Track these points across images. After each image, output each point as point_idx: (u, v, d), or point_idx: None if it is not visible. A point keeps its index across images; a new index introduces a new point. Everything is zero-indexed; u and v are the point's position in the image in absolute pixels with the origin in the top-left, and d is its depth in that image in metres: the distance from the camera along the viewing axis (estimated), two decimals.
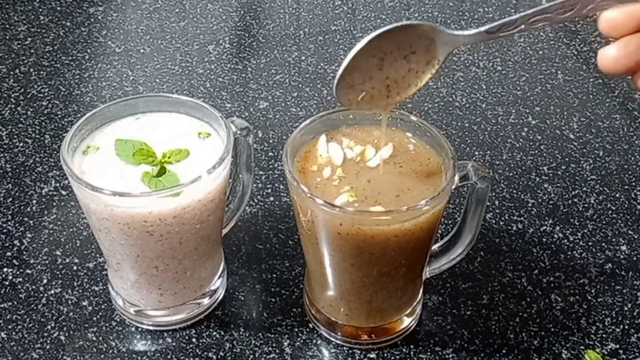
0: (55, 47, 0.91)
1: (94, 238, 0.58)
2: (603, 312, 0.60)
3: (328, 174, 0.52)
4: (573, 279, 0.63)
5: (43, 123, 0.79)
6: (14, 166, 0.74)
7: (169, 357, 0.57)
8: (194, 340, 0.58)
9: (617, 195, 0.71)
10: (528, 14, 0.42)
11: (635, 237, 0.66)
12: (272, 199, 0.70)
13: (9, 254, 0.65)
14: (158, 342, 0.58)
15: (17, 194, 0.70)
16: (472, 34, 0.46)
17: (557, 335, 0.58)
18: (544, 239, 0.66)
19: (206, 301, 0.60)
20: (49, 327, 0.59)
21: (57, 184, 0.71)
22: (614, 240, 0.66)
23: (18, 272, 0.63)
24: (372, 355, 0.57)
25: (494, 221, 0.68)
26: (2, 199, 0.70)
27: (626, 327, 0.59)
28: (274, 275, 0.63)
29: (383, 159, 0.53)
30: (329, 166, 0.53)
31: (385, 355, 0.57)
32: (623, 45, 0.39)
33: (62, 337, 0.58)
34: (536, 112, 0.81)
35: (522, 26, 0.43)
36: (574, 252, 0.65)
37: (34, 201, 0.70)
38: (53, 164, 0.74)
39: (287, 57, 0.90)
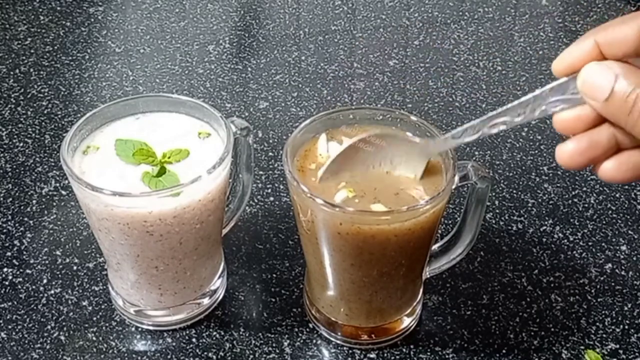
0: (55, 47, 0.91)
1: (94, 238, 0.58)
2: (603, 312, 0.60)
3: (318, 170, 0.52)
4: (573, 279, 0.63)
5: (43, 123, 0.79)
6: (14, 166, 0.74)
7: (169, 357, 0.57)
8: (194, 340, 0.58)
9: (617, 195, 0.71)
10: (489, 116, 0.45)
11: (635, 237, 0.66)
12: (272, 199, 0.70)
13: (9, 254, 0.65)
14: (158, 342, 0.58)
15: (17, 194, 0.71)
16: (441, 141, 0.50)
17: (557, 335, 0.58)
18: (544, 239, 0.66)
19: (206, 301, 0.60)
20: (49, 327, 0.59)
21: (57, 184, 0.71)
22: (614, 240, 0.66)
23: (18, 272, 0.63)
24: (372, 355, 0.57)
25: (494, 221, 0.68)
26: (2, 199, 0.70)
27: (626, 327, 0.59)
28: (274, 275, 0.63)
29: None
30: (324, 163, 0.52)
31: (385, 355, 0.57)
32: (576, 143, 0.42)
33: (62, 337, 0.58)
34: None
35: (485, 129, 0.46)
36: (574, 252, 0.65)
37: (34, 201, 0.70)
38: (53, 164, 0.74)
39: (287, 57, 0.90)
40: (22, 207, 0.69)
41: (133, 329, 0.59)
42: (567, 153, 0.43)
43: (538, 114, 0.43)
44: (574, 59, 0.41)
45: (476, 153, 0.76)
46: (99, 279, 0.62)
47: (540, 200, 0.70)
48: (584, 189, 0.71)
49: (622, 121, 0.39)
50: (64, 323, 0.59)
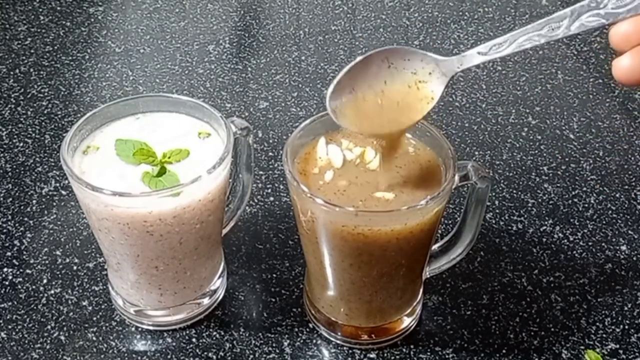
0: (55, 47, 0.91)
1: (94, 238, 0.58)
2: (603, 312, 0.60)
3: (328, 177, 0.52)
4: (573, 279, 0.63)
5: (43, 123, 0.79)
6: (14, 166, 0.74)
7: (169, 357, 0.57)
8: (194, 340, 0.58)
9: (617, 195, 0.71)
10: (521, 30, 0.44)
11: (635, 237, 0.66)
12: (272, 199, 0.70)
13: (9, 254, 0.65)
14: (158, 342, 0.58)
15: (17, 194, 0.71)
16: (465, 56, 0.47)
17: (557, 335, 0.58)
18: (544, 239, 0.66)
19: (206, 301, 0.60)
20: (49, 327, 0.59)
21: (57, 184, 0.71)
22: (614, 240, 0.66)
23: (18, 272, 0.63)
24: (372, 355, 0.57)
25: (494, 221, 0.68)
26: (2, 199, 0.70)
27: (626, 327, 0.59)
28: (274, 275, 0.63)
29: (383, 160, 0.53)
30: (328, 169, 0.52)
31: (385, 355, 0.57)
32: (633, 57, 0.40)
33: (62, 337, 0.58)
34: (536, 112, 0.81)
35: (516, 43, 0.44)
36: (574, 252, 0.65)
37: (34, 201, 0.70)
38: (53, 164, 0.74)
39: (287, 57, 0.90)
40: (22, 207, 0.69)
41: (133, 329, 0.59)
42: (624, 68, 0.40)
43: (575, 28, 0.42)
44: None
45: (476, 153, 0.76)
46: (99, 279, 0.62)
47: (540, 200, 0.70)
48: (584, 189, 0.71)
49: None
50: (64, 323, 0.59)
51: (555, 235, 0.66)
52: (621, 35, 0.40)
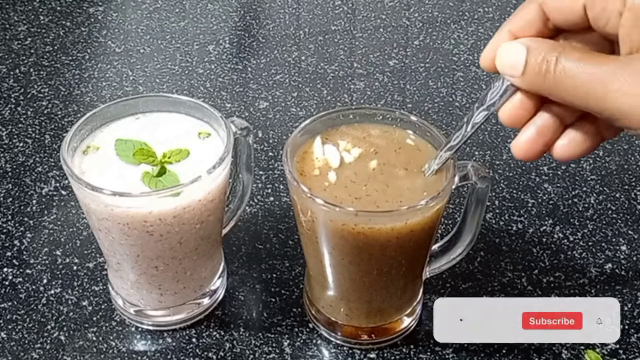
0: (55, 47, 0.91)
1: (94, 238, 0.58)
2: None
3: (326, 176, 0.52)
4: (573, 279, 0.63)
5: (43, 123, 0.79)
6: (14, 166, 0.74)
7: (169, 357, 0.57)
8: (194, 340, 0.58)
9: (617, 195, 0.71)
10: (442, 148, 0.49)
11: (635, 237, 0.66)
12: (272, 199, 0.70)
13: (9, 254, 0.65)
14: (158, 342, 0.58)
15: (17, 194, 0.71)
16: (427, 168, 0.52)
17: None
18: (544, 239, 0.66)
19: (206, 301, 0.60)
20: (49, 327, 0.59)
21: (57, 184, 0.71)
22: (614, 240, 0.66)
23: (18, 272, 0.63)
24: (372, 355, 0.57)
25: (494, 221, 0.68)
26: (2, 199, 0.70)
27: (626, 327, 0.59)
28: (274, 275, 0.63)
29: (381, 161, 0.53)
30: (326, 168, 0.52)
31: (385, 355, 0.57)
32: (526, 134, 0.43)
33: (62, 337, 0.58)
34: None
35: (443, 156, 0.49)
36: (574, 252, 0.65)
37: (34, 201, 0.70)
38: (53, 164, 0.74)
39: (287, 57, 0.90)
40: (22, 207, 0.69)
41: (133, 329, 0.59)
42: (521, 146, 0.43)
43: (470, 129, 0.46)
44: (495, 51, 0.43)
45: (476, 153, 0.76)
46: (99, 279, 0.62)
47: (540, 200, 0.70)
48: (584, 189, 0.71)
49: (542, 89, 0.40)
50: (64, 323, 0.59)
51: (555, 235, 0.66)
52: (507, 116, 0.43)
